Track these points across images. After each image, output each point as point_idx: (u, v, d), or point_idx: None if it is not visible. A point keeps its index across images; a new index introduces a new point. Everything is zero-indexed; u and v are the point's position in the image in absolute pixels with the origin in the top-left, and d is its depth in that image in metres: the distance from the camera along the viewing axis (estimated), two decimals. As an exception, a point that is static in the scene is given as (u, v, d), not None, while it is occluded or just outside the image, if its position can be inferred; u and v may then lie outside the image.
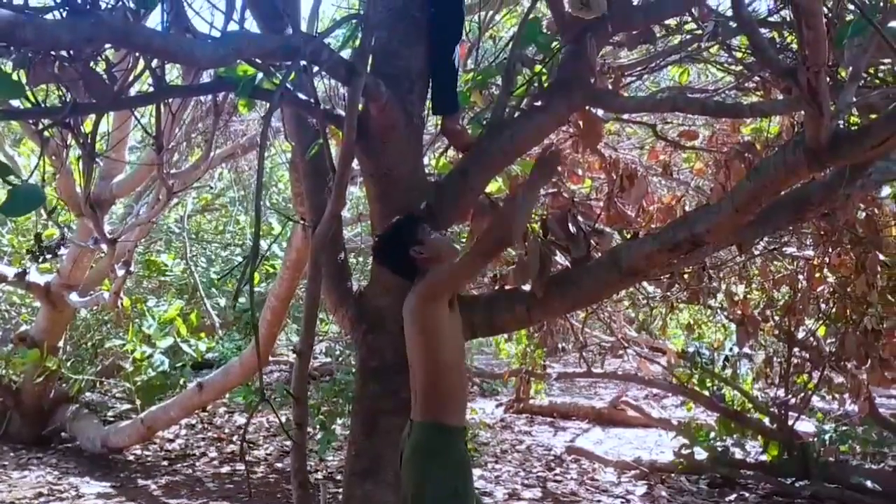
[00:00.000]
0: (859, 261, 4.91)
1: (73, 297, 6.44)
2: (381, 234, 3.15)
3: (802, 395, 6.72)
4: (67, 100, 2.79)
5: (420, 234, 2.98)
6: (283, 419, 3.30)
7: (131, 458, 6.96)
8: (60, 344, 7.29)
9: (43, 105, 2.88)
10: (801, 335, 6.51)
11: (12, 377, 7.12)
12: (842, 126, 2.71)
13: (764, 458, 6.80)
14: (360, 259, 7.69)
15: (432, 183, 3.57)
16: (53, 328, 7.02)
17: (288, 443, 5.82)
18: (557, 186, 4.67)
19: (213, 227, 9.73)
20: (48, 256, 4.56)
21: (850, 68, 2.80)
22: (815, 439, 6.71)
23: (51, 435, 7.28)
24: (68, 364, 7.32)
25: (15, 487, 5.85)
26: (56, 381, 7.18)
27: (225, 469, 6.66)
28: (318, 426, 6.46)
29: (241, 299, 6.54)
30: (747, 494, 6.28)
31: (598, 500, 6.07)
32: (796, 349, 6.53)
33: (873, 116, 3.10)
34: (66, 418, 7.23)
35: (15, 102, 2.82)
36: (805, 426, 7.02)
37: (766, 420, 6.81)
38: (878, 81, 3.83)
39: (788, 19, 3.81)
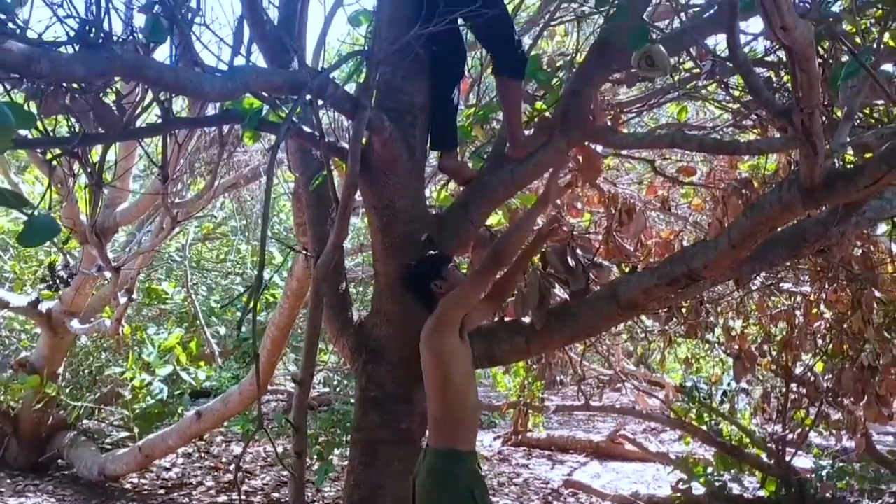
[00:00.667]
0: (855, 297, 4.95)
1: (75, 323, 6.47)
2: (411, 264, 3.31)
3: (800, 430, 6.72)
4: (76, 130, 2.85)
5: (444, 272, 3.18)
6: (281, 449, 3.33)
7: (128, 486, 6.95)
8: (60, 370, 7.30)
9: (52, 135, 2.94)
10: (798, 370, 6.53)
11: (11, 403, 7.12)
12: (836, 165, 2.77)
13: (762, 493, 6.79)
14: (361, 289, 7.72)
15: (434, 215, 3.62)
16: (53, 355, 7.04)
17: (285, 473, 5.83)
18: (557, 220, 4.72)
19: (215, 256, 9.78)
20: (61, 286, 4.60)
21: (845, 109, 2.87)
22: (813, 475, 6.70)
23: (48, 462, 7.26)
24: (67, 391, 7.32)
25: (11, 514, 5.85)
26: (55, 407, 7.17)
27: (222, 499, 6.64)
28: (315, 456, 6.45)
29: (244, 328, 6.58)
30: (745, 531, 6.27)
31: (596, 535, 6.06)
32: (794, 384, 6.55)
33: (868, 155, 3.16)
34: (64, 445, 7.22)
35: (25, 132, 2.89)
36: (802, 462, 7.02)
37: (764, 455, 6.80)
38: (872, 121, 3.89)
39: (784, 59, 3.88)
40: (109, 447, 7.46)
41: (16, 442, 7.27)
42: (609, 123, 4.04)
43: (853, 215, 3.35)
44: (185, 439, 6.76)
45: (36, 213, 2.17)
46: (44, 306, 6.67)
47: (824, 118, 3.25)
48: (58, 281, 4.35)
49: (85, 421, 7.75)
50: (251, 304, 2.48)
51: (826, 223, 3.36)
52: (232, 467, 7.57)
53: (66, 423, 7.37)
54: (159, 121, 3.09)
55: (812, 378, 5.97)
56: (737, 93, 4.40)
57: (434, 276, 3.15)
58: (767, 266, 3.77)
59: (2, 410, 7.17)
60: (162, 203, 4.17)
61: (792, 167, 4.38)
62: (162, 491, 6.87)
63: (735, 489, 6.75)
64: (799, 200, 2.75)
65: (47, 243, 5.48)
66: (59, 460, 7.29)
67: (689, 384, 9.31)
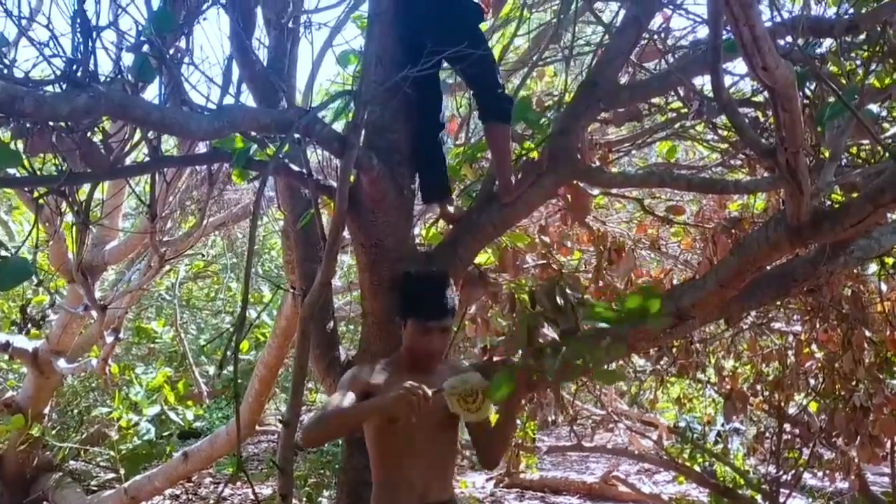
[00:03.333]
0: (846, 337, 4.94)
1: (61, 363, 6.40)
2: (409, 273, 3.17)
3: (794, 471, 6.67)
4: (63, 168, 2.84)
5: (408, 320, 2.92)
6: (270, 491, 3.28)
7: (113, 528, 6.83)
8: (46, 410, 7.22)
9: (39, 173, 2.93)
10: (791, 410, 6.50)
11: (-3, 445, 7.03)
12: (823, 204, 2.78)
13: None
14: (350, 327, 7.69)
15: (422, 253, 3.61)
16: (39, 394, 6.96)
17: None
18: (546, 258, 4.72)
19: (205, 295, 9.74)
20: (31, 328, 4.56)
21: (830, 149, 2.89)
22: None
23: (33, 504, 7.15)
24: (53, 431, 7.23)
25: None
26: (40, 448, 7.08)
27: (208, 541, 6.55)
28: (304, 498, 6.37)
29: (228, 368, 6.50)
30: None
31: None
32: (786, 425, 6.51)
33: (855, 195, 3.17)
34: (49, 487, 7.11)
35: (11, 170, 2.88)
36: (797, 503, 6.95)
37: (759, 497, 6.73)
38: (858, 161, 3.92)
39: (769, 99, 3.92)
40: (95, 488, 7.35)
41: (0, 483, 7.16)
42: (598, 162, 4.06)
43: (841, 254, 3.35)
44: (172, 481, 6.66)
45: (10, 254, 2.15)
46: (30, 345, 6.60)
47: (810, 158, 3.27)
48: (28, 323, 4.31)
49: (71, 462, 7.65)
50: (234, 342, 2.45)
51: (814, 262, 3.36)
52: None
53: (51, 465, 7.27)
54: (147, 159, 3.08)
55: (805, 418, 5.94)
56: (724, 133, 4.43)
57: (400, 314, 2.98)
58: (756, 305, 3.77)
59: (-15, 451, 7.07)
60: (150, 241, 4.15)
61: (781, 206, 4.40)
62: (147, 534, 6.76)
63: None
64: (786, 239, 2.76)
65: (34, 283, 5.45)
66: (45, 502, 7.17)
67: (682, 424, 9.26)
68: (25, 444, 6.75)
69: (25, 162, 2.67)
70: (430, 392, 2.57)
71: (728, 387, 5.77)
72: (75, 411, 7.84)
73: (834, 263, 3.37)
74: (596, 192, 4.61)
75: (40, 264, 5.87)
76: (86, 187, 3.27)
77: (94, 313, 4.74)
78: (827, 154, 2.93)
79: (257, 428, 7.67)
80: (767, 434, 6.84)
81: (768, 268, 3.40)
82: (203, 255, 8.70)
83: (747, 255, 2.91)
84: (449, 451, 3.01)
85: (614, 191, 4.96)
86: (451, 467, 3.03)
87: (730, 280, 3.03)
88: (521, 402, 2.97)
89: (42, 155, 3.09)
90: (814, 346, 5.52)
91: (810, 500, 7.14)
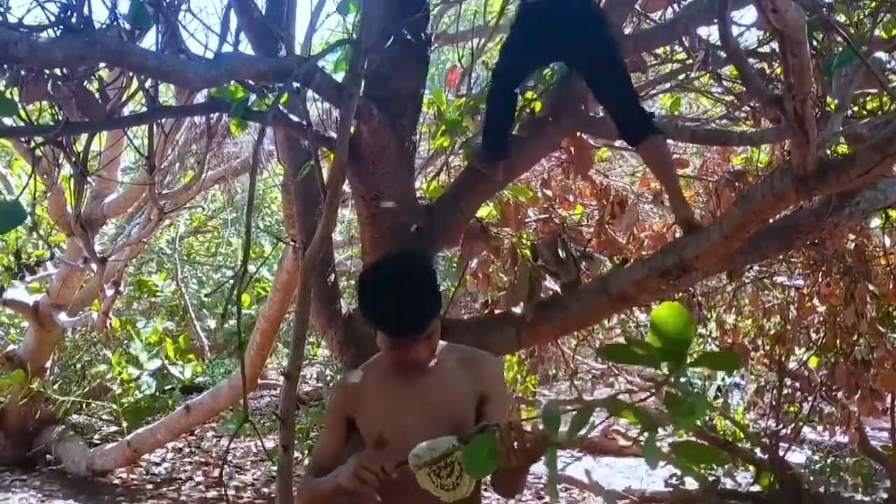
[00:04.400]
0: (848, 291, 4.92)
1: (62, 316, 6.41)
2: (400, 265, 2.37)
3: (793, 425, 6.70)
4: (60, 118, 2.80)
5: (377, 335, 2.32)
6: (271, 444, 3.28)
7: (117, 481, 6.90)
8: (48, 364, 7.24)
9: (35, 123, 2.89)
10: (792, 365, 6.51)
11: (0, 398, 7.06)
12: (829, 155, 2.74)
13: (755, 488, 6.77)
14: (351, 282, 7.68)
15: (423, 206, 3.58)
16: (40, 348, 6.98)
17: (275, 467, 5.79)
18: (548, 212, 4.69)
19: (205, 249, 9.72)
20: (26, 274, 4.52)
21: (837, 99, 2.84)
22: (807, 470, 6.69)
23: (36, 457, 7.20)
24: (55, 386, 7.26)
25: (-4, 511, 5.80)
26: (42, 402, 7.11)
27: (211, 494, 6.60)
28: (305, 451, 6.41)
29: (230, 321, 6.50)
30: (737, 525, 6.26)
31: (587, 530, 6.03)
32: (787, 379, 6.53)
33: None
34: (52, 440, 7.17)
35: (7, 120, 2.84)
36: (797, 457, 7.00)
37: (758, 451, 6.78)
38: (865, 113, 3.87)
39: (776, 50, 3.86)
40: (98, 442, 7.41)
41: (2, 436, 7.22)
42: (601, 113, 4.01)
43: (847, 206, 3.33)
44: (174, 434, 6.71)
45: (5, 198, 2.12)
46: (30, 299, 6.61)
47: (817, 109, 3.22)
48: (23, 269, 4.27)
49: (73, 416, 7.69)
50: (237, 293, 2.43)
51: (819, 214, 3.34)
52: (221, 463, 7.53)
53: (54, 418, 7.31)
54: (145, 110, 3.04)
55: (806, 372, 5.95)
56: (729, 84, 4.37)
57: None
58: (760, 258, 3.74)
59: (-12, 405, 7.11)
60: (149, 194, 4.12)
61: (785, 158, 4.36)
62: (150, 486, 6.83)
63: (728, 484, 6.73)
64: (791, 189, 2.72)
65: (33, 236, 5.43)
66: (48, 455, 7.23)
67: (682, 379, 9.28)
68: (27, 397, 6.78)
69: (22, 112, 2.63)
70: (389, 465, 2.02)
71: (729, 341, 5.77)
72: (77, 366, 7.87)
73: (839, 215, 3.35)
74: (599, 143, 4.56)
75: (39, 216, 5.84)
76: (83, 138, 3.23)
77: (93, 266, 4.72)
78: (833, 106, 2.88)
79: (259, 382, 7.71)
80: (768, 388, 6.87)
81: (772, 220, 3.38)
82: (203, 209, 8.66)
83: (752, 207, 2.87)
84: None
85: (617, 143, 4.91)
86: None
87: (734, 232, 2.99)
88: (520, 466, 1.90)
89: (38, 104, 3.04)
90: (815, 301, 5.51)
91: (810, 453, 7.19)
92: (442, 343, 2.32)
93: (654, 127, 3.20)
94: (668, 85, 4.38)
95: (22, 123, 2.74)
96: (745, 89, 3.91)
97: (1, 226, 2.19)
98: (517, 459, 1.82)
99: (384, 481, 2.01)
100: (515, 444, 1.81)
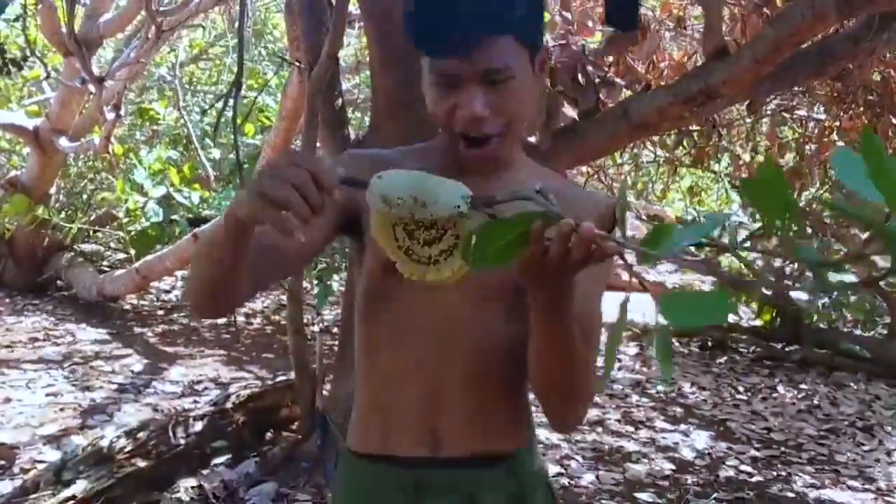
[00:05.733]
0: (871, 125, 4.77)
1: (63, 141, 6.29)
2: None
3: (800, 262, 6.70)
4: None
5: None
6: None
7: (127, 306, 7.00)
8: (52, 192, 7.19)
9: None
10: (803, 203, 6.44)
11: (7, 225, 7.03)
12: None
13: (756, 323, 6.87)
14: (359, 114, 7.49)
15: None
16: (43, 174, 6.89)
17: (285, 297, 5.84)
18: (566, 38, 4.47)
19: (207, 77, 9.45)
20: (11, 69, 4.32)
21: None
22: (809, 305, 6.75)
23: (46, 283, 7.27)
24: (61, 213, 7.23)
25: (10, 331, 5.88)
26: (49, 229, 7.10)
27: (222, 320, 6.69)
28: (315, 281, 6.46)
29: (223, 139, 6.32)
30: (737, 357, 6.38)
31: (590, 359, 6.14)
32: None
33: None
34: (62, 266, 7.21)
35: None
36: (800, 294, 7.05)
37: (764, 288, 6.82)
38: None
39: None
40: (107, 269, 7.46)
41: (12, 263, 7.26)
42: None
43: (886, 30, 3.13)
44: (182, 261, 6.72)
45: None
46: (30, 123, 6.46)
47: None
48: (8, 64, 4.09)
49: (82, 244, 7.71)
50: (229, 108, 2.30)
51: (856, 39, 3.15)
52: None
53: (61, 245, 7.32)
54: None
55: (819, 209, 5.89)
56: None
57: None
58: (789, 85, 3.59)
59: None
60: (146, 10, 3.90)
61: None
62: (161, 312, 6.93)
63: (730, 318, 6.82)
64: (833, 8, 2.54)
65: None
66: (58, 281, 7.30)
67: (689, 218, 9.27)
68: (33, 224, 6.76)
69: None
70: (329, 175, 0.99)
71: (745, 175, 5.67)
72: (83, 196, 7.81)
73: (877, 40, 3.16)
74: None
75: (33, 38, 5.61)
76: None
77: (91, 88, 4.56)
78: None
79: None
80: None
81: (805, 45, 3.20)
82: (203, 28, 8.32)
83: (788, 27, 2.71)
84: (503, 358, 1.28)
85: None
86: (506, 393, 1.31)
87: (766, 55, 2.83)
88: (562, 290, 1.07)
89: None
90: (834, 136, 5.37)
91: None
92: (529, 161, 1.38)
93: None
94: None
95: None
96: None
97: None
98: (558, 271, 0.99)
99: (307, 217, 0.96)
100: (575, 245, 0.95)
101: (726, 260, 7.80)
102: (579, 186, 1.51)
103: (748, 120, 5.66)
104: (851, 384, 5.81)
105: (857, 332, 6.84)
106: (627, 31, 3.26)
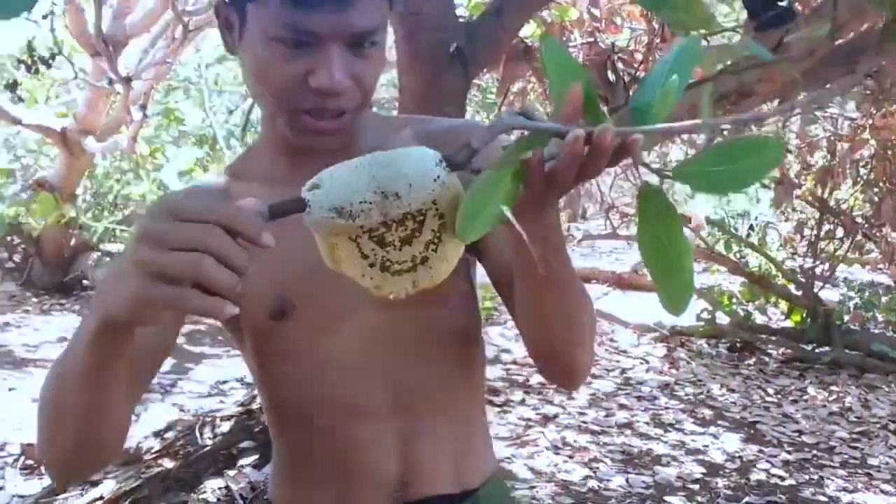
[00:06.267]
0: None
1: (90, 142, 6.32)
2: None
3: (830, 262, 6.62)
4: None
5: None
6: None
7: (153, 306, 7.01)
8: (79, 192, 7.23)
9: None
10: (833, 204, 6.36)
11: (33, 224, 7.09)
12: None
13: (786, 324, 6.78)
14: (384, 114, 7.47)
15: (463, 23, 3.36)
16: (70, 174, 6.94)
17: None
18: (594, 36, 4.43)
19: (233, 78, 9.48)
20: (40, 68, 4.32)
21: None
22: (840, 306, 6.66)
23: (72, 282, 7.32)
24: (88, 214, 7.28)
25: (38, 331, 5.92)
26: (77, 229, 7.15)
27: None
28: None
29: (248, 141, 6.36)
30: (766, 359, 6.29)
31: (617, 361, 6.09)
32: (828, 216, 6.39)
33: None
34: (88, 266, 7.26)
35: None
36: (830, 294, 6.96)
37: (792, 287, 6.74)
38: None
39: None
40: (134, 269, 7.48)
41: (40, 263, 7.31)
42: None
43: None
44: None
45: None
46: (58, 124, 6.50)
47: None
48: (37, 61, 4.09)
49: (108, 244, 7.76)
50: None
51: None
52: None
53: (88, 245, 7.37)
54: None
55: (850, 208, 5.82)
56: None
57: None
58: (822, 83, 3.51)
59: (24, 231, 7.16)
60: (172, 9, 3.91)
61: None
62: (188, 311, 6.94)
63: (759, 319, 6.75)
64: (869, 3, 2.48)
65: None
66: (84, 281, 7.34)
67: (716, 218, 9.21)
68: (59, 223, 6.80)
69: None
70: (248, 218, 0.66)
71: (777, 173, 5.60)
72: (109, 197, 7.86)
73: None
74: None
75: (60, 40, 5.64)
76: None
77: (118, 88, 4.57)
78: None
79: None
80: (808, 226, 6.76)
81: (838, 43, 3.13)
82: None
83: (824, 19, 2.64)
84: (444, 373, 1.10)
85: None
86: (458, 410, 1.13)
87: (801, 53, 2.77)
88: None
89: None
90: (866, 135, 5.30)
91: (845, 289, 7.12)
92: (372, 114, 1.17)
93: None
94: None
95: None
96: None
97: (11, 6, 2.04)
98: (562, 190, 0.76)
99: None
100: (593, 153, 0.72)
101: (756, 258, 7.72)
102: (446, 118, 1.18)
103: (779, 118, 5.58)
104: (883, 386, 5.70)
105: (889, 333, 6.73)
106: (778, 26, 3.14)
